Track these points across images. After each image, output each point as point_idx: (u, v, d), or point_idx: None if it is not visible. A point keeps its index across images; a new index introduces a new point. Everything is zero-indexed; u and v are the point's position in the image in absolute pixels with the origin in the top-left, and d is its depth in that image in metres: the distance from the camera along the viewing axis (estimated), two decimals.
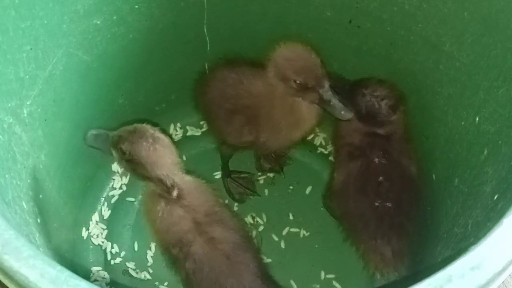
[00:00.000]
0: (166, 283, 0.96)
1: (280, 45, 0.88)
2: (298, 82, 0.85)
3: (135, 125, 0.80)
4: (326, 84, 0.85)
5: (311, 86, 0.85)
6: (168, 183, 0.79)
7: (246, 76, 0.94)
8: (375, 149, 0.90)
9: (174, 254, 0.82)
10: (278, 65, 0.87)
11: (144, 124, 0.81)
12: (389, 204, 0.88)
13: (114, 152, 0.81)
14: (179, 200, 0.81)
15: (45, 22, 0.78)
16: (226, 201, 1.04)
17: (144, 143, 0.78)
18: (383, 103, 0.89)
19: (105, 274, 0.96)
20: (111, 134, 0.81)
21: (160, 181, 0.79)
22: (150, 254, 0.98)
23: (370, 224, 0.88)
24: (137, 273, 0.97)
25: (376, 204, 0.88)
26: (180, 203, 0.82)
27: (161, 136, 0.80)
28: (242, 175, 1.05)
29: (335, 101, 0.85)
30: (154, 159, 0.78)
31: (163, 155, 0.78)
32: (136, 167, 0.78)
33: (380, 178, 0.89)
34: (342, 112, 0.85)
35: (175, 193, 0.80)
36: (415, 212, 0.90)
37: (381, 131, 0.91)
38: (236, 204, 1.04)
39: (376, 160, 0.90)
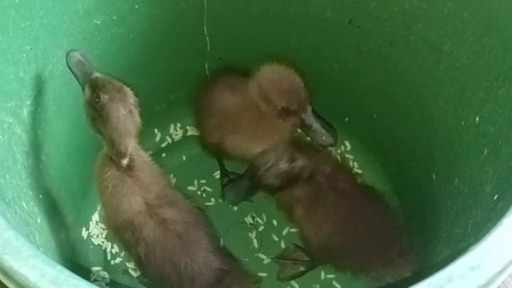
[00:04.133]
0: None
1: (264, 67, 0.89)
2: (281, 106, 0.86)
3: (121, 83, 0.79)
4: (309, 109, 0.86)
5: (294, 110, 0.86)
6: (120, 148, 0.78)
7: (234, 84, 0.95)
8: (328, 189, 0.90)
9: (126, 238, 0.83)
10: (262, 87, 0.88)
11: (128, 88, 0.79)
12: (371, 224, 0.88)
13: (87, 90, 0.78)
14: (130, 171, 0.82)
15: (45, 22, 0.79)
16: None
17: (122, 108, 0.76)
18: (283, 162, 0.87)
19: (105, 274, 0.96)
20: (96, 74, 0.78)
21: (113, 144, 0.78)
22: None
23: (365, 251, 0.88)
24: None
25: (361, 233, 0.88)
26: (131, 174, 0.82)
27: (136, 109, 0.79)
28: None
29: (316, 126, 0.86)
30: (120, 126, 0.77)
31: (129, 127, 0.78)
32: (98, 118, 0.77)
33: (351, 211, 0.89)
34: (323, 138, 0.86)
35: (125, 161, 0.80)
36: (391, 215, 0.91)
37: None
38: None
39: (332, 197, 0.89)
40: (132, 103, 0.78)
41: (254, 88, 0.90)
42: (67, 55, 0.78)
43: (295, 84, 0.86)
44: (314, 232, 0.90)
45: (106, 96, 0.76)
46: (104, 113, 0.76)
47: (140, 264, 0.85)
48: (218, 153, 1.02)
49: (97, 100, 0.76)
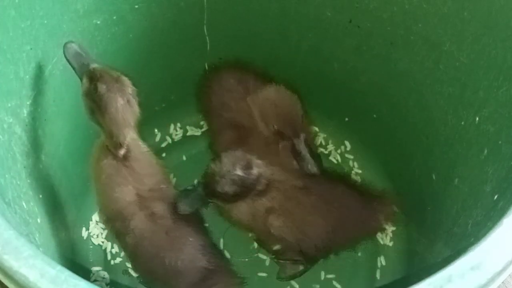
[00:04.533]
0: None
1: (269, 86, 0.92)
2: (276, 128, 0.89)
3: (119, 73, 0.78)
4: (302, 136, 0.89)
5: (287, 134, 0.89)
6: (119, 139, 0.79)
7: (250, 93, 0.95)
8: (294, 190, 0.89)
9: (117, 227, 0.84)
10: (263, 107, 0.91)
11: (126, 77, 0.79)
12: (346, 201, 0.90)
13: (84, 81, 0.77)
14: (126, 161, 0.82)
15: (45, 22, 0.79)
16: None
17: (120, 98, 0.76)
18: (238, 169, 0.83)
19: (105, 274, 0.96)
20: (93, 65, 0.78)
21: (111, 134, 0.78)
22: None
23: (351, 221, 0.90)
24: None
25: (342, 216, 0.89)
26: (126, 164, 0.82)
27: (134, 99, 0.79)
28: None
29: (305, 154, 0.88)
30: (118, 116, 0.76)
31: (128, 117, 0.78)
32: (96, 109, 0.77)
33: (314, 196, 0.89)
34: (309, 166, 0.88)
35: (122, 151, 0.81)
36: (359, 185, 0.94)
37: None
38: None
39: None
40: (130, 92, 0.78)
41: (255, 105, 0.92)
42: (65, 46, 0.77)
43: (294, 110, 0.90)
44: (300, 237, 0.89)
45: (104, 87, 0.75)
46: (102, 103, 0.76)
47: (129, 255, 0.86)
48: None
49: (95, 91, 0.76)
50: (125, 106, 0.76)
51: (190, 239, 0.84)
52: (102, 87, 0.75)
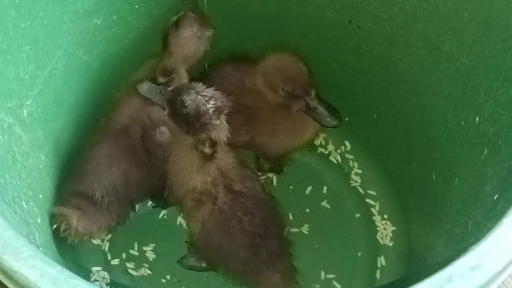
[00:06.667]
0: (168, 276, 0.96)
1: (269, 55, 0.92)
2: (286, 90, 0.89)
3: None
4: (313, 92, 0.89)
5: (298, 94, 0.89)
6: (169, 66, 0.88)
7: (248, 75, 0.95)
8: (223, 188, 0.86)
9: (109, 121, 0.91)
10: (267, 74, 0.91)
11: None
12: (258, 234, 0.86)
13: (183, 13, 0.88)
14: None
15: (45, 22, 0.79)
16: None
17: (193, 33, 0.87)
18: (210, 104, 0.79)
19: (105, 274, 0.96)
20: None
21: (167, 56, 0.88)
22: (150, 253, 0.98)
23: (244, 261, 0.86)
24: (137, 271, 0.97)
25: (244, 241, 0.85)
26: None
27: (205, 44, 0.90)
28: None
29: (321, 109, 0.89)
30: (182, 44, 0.87)
31: (190, 50, 0.88)
32: (172, 30, 0.87)
33: (239, 216, 0.86)
34: (328, 119, 0.89)
35: (163, 80, 0.88)
36: (283, 237, 0.91)
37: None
38: None
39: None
40: (207, 36, 0.89)
41: (259, 77, 0.93)
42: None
43: (298, 69, 0.89)
44: (198, 228, 0.87)
45: (191, 19, 0.87)
46: (180, 26, 0.87)
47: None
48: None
49: (182, 17, 0.87)
50: (193, 39, 0.87)
51: (132, 162, 0.89)
52: (189, 17, 0.87)
